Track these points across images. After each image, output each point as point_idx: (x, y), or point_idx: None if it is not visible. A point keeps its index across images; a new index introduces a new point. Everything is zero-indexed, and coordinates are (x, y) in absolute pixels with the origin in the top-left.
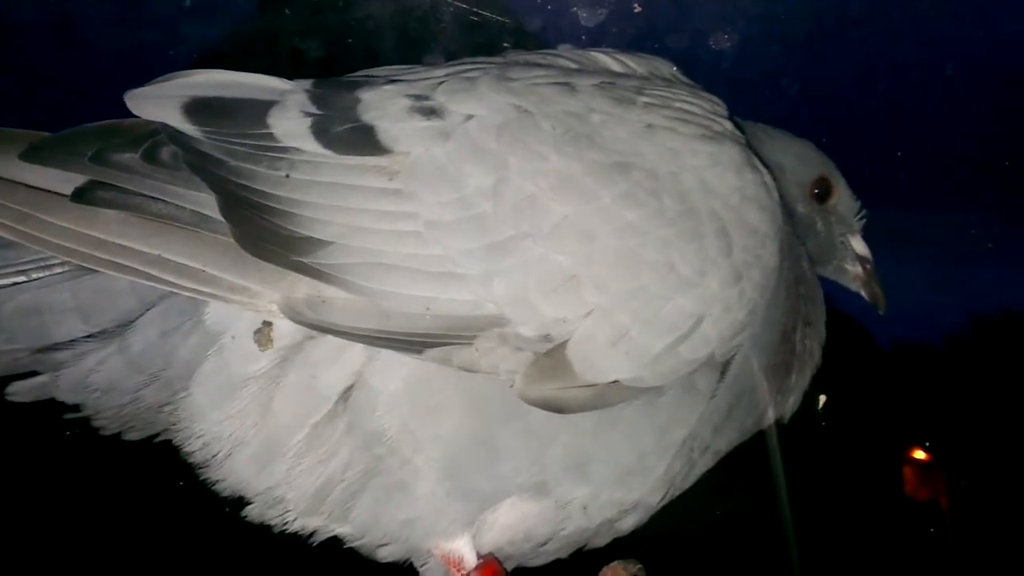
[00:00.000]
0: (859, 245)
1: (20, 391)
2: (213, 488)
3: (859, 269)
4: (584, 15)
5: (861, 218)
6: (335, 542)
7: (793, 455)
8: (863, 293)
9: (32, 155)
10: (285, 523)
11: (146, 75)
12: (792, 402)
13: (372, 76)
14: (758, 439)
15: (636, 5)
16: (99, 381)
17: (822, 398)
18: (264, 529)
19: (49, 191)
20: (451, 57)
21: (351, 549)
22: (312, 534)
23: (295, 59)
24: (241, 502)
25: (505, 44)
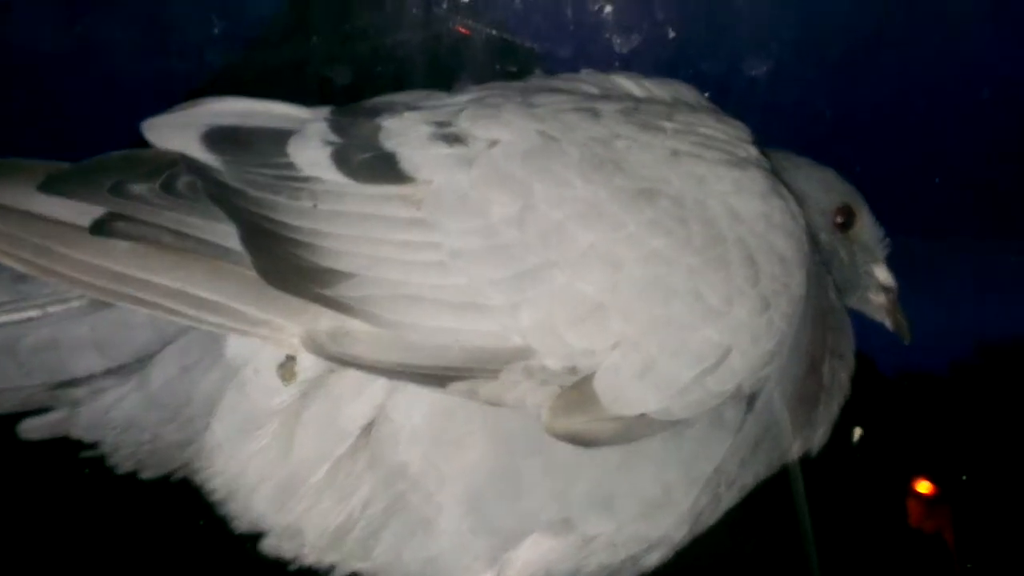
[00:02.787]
0: (883, 274)
1: (34, 428)
2: (230, 524)
3: (883, 298)
4: (618, 41)
5: (885, 247)
6: None
7: (809, 487)
8: (887, 323)
9: (50, 186)
10: (301, 556)
11: (171, 104)
12: (820, 435)
13: (393, 103)
14: (783, 473)
15: (670, 30)
16: (118, 418)
17: (857, 431)
18: (283, 566)
19: (67, 223)
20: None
21: None
22: (330, 571)
23: (323, 87)
24: (258, 537)
25: (537, 70)
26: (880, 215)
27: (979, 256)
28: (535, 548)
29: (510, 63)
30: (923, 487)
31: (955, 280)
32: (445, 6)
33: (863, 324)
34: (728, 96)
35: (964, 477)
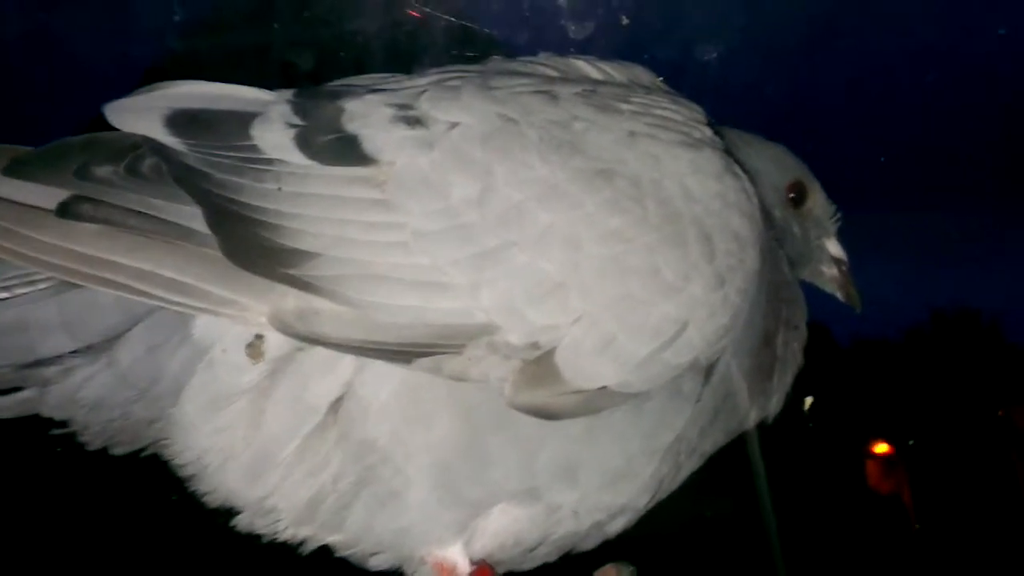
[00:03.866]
0: (834, 247)
1: (4, 407)
2: (202, 499)
3: (835, 271)
4: (572, 28)
5: (836, 221)
6: (326, 550)
7: (766, 453)
8: (839, 294)
9: (15, 170)
10: (275, 532)
11: (133, 89)
12: (775, 403)
13: (354, 86)
14: (740, 440)
15: (624, 17)
16: (87, 397)
17: (808, 399)
18: (256, 540)
19: (32, 206)
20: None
21: (341, 558)
22: (302, 543)
23: (285, 72)
24: (231, 512)
25: (495, 56)
26: (832, 191)
27: (931, 228)
28: (503, 517)
29: (468, 48)
30: (880, 449)
31: (908, 252)
32: None
33: (820, 296)
34: (681, 81)
35: (911, 442)
